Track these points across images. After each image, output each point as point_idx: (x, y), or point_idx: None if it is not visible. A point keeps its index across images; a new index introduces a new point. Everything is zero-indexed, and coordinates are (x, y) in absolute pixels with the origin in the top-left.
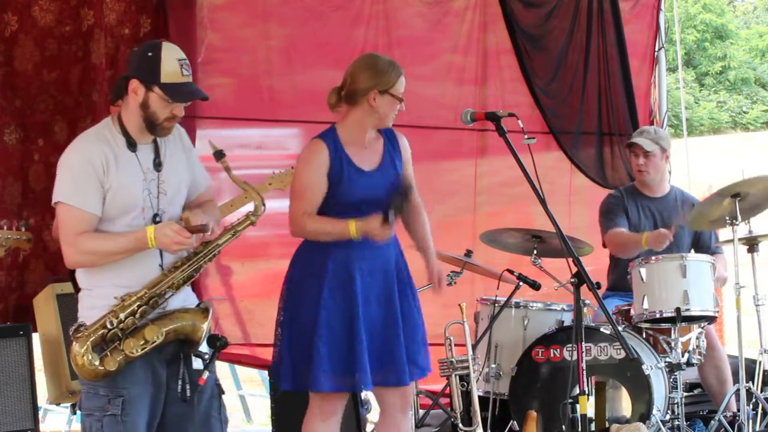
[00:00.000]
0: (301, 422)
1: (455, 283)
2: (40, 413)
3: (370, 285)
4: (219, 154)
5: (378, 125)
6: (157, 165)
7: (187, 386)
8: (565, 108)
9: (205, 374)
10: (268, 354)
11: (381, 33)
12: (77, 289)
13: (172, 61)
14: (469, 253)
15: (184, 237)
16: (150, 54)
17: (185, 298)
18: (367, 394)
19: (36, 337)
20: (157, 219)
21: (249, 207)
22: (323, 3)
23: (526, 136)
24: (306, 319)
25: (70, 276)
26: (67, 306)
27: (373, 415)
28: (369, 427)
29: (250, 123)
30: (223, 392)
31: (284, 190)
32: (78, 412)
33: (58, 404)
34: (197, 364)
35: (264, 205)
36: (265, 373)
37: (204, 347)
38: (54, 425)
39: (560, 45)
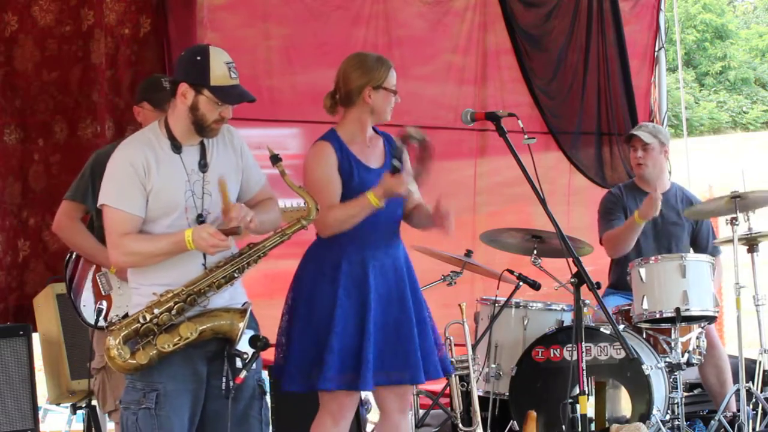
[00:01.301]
0: (302, 422)
1: (455, 283)
2: (40, 413)
3: (383, 284)
4: (275, 159)
5: (377, 121)
6: (203, 166)
7: (231, 383)
8: (565, 108)
9: (243, 373)
10: (268, 354)
11: (381, 33)
12: (69, 291)
13: (220, 64)
14: (469, 253)
15: (219, 239)
16: (199, 58)
17: (231, 296)
18: (367, 394)
19: (36, 337)
20: (201, 219)
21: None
22: (323, 3)
23: (525, 136)
24: (320, 319)
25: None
26: (67, 306)
27: (372, 416)
28: (369, 427)
29: (250, 123)
30: (265, 393)
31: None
32: (78, 412)
33: (58, 404)
34: (237, 363)
35: (318, 209)
36: (266, 372)
37: (244, 346)
38: (54, 425)
39: (560, 45)
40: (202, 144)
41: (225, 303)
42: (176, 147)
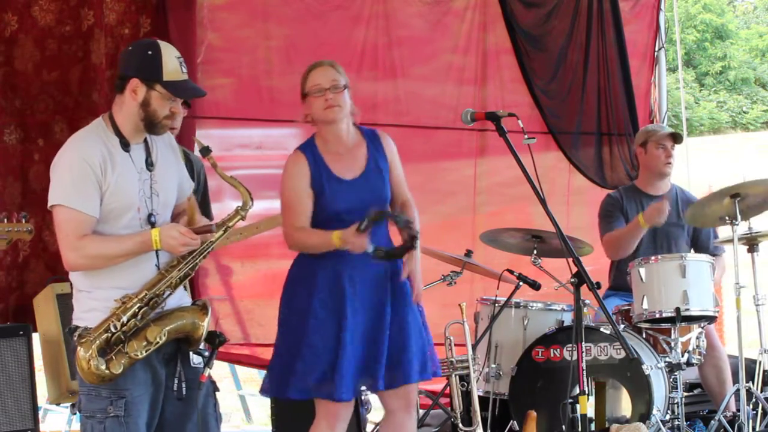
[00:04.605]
0: (301, 422)
1: (455, 283)
2: (40, 413)
3: (360, 294)
4: (205, 151)
5: (326, 123)
6: (150, 165)
7: (183, 384)
8: (565, 108)
9: (207, 371)
10: (268, 354)
11: (381, 33)
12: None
13: (172, 59)
14: (469, 253)
15: (191, 238)
16: (150, 53)
17: (180, 297)
18: (368, 395)
19: (36, 337)
20: (152, 219)
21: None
22: (323, 3)
23: (525, 136)
24: (296, 327)
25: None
26: (67, 306)
27: (373, 415)
28: (369, 427)
29: (250, 123)
30: (217, 389)
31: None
32: (78, 412)
33: (58, 404)
34: (197, 361)
35: (252, 200)
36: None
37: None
38: (54, 425)
39: (560, 45)
40: (146, 142)
41: (176, 303)
42: (125, 145)
